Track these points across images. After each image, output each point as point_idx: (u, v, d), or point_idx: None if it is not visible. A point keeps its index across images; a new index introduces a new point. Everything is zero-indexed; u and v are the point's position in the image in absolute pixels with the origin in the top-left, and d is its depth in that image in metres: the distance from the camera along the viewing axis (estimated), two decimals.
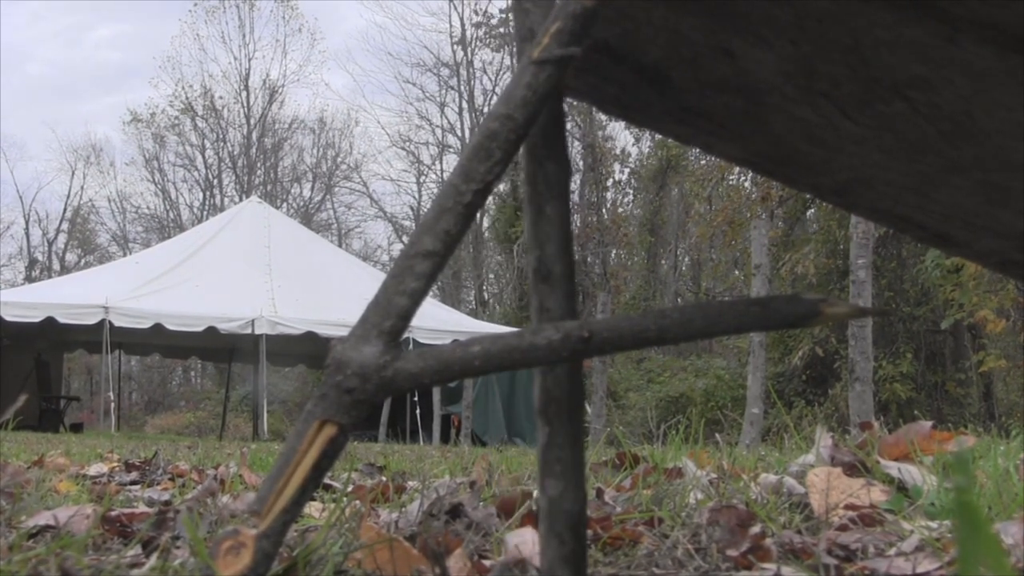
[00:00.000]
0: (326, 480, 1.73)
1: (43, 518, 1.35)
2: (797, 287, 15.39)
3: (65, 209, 36.18)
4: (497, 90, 28.16)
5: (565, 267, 0.73)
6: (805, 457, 1.88)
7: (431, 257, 0.68)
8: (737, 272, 20.91)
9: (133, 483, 2.42)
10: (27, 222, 35.85)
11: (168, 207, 36.14)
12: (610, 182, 24.24)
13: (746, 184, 15.18)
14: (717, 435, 2.96)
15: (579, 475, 0.72)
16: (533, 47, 0.69)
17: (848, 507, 1.39)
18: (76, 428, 15.05)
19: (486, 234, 28.33)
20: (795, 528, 1.30)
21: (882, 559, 1.10)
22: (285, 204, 34.60)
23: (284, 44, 43.54)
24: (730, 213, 14.80)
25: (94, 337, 13.44)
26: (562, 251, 0.73)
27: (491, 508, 1.42)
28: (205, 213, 33.67)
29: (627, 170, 24.89)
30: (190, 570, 1.06)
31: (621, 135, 25.17)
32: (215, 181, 35.57)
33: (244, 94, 34.94)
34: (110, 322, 12.80)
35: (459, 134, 30.34)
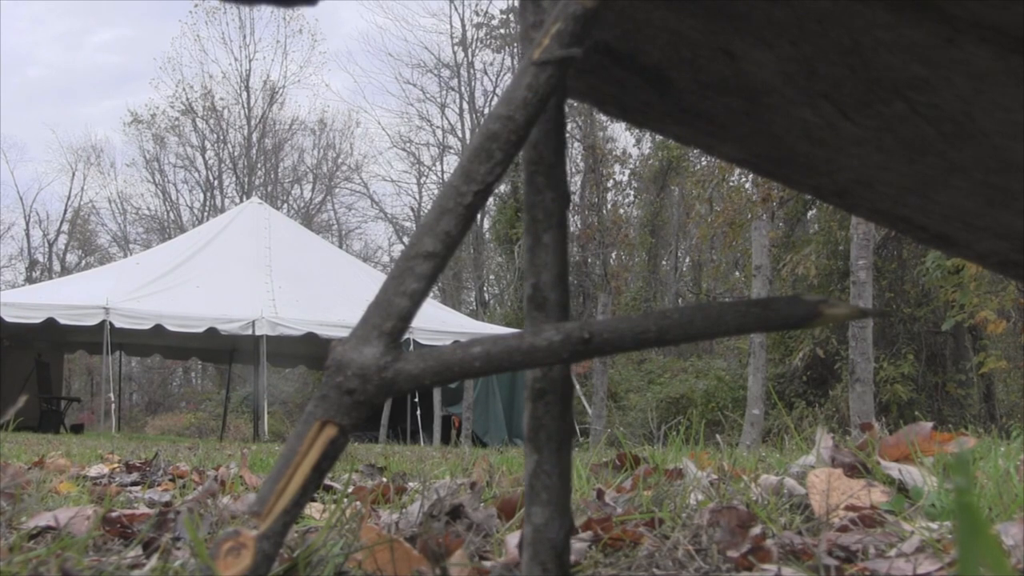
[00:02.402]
0: (326, 481, 1.73)
1: (44, 519, 1.35)
2: (798, 288, 15.40)
3: (65, 210, 36.22)
4: (498, 91, 28.13)
5: (560, 296, 0.74)
6: (806, 458, 1.88)
7: (432, 258, 0.68)
8: (738, 273, 20.92)
9: (134, 484, 2.42)
10: (28, 223, 35.88)
11: (168, 208, 36.15)
12: (611, 183, 24.22)
13: (747, 185, 15.16)
14: (718, 436, 2.96)
15: (565, 504, 0.72)
16: (534, 48, 0.69)
17: (848, 508, 1.39)
18: (77, 429, 15.06)
19: (487, 235, 28.32)
20: (795, 529, 1.30)
21: (882, 560, 1.10)
22: (286, 205, 34.59)
23: (284, 45, 43.76)
24: (731, 214, 14.78)
25: (95, 338, 13.45)
26: (558, 280, 0.74)
27: (491, 509, 1.42)
28: (206, 214, 33.65)
29: (628, 171, 24.87)
30: (191, 571, 1.06)
31: (622, 136, 25.16)
32: (215, 182, 35.57)
33: (244, 95, 34.94)
34: (111, 323, 12.81)
35: (460, 135, 30.33)
